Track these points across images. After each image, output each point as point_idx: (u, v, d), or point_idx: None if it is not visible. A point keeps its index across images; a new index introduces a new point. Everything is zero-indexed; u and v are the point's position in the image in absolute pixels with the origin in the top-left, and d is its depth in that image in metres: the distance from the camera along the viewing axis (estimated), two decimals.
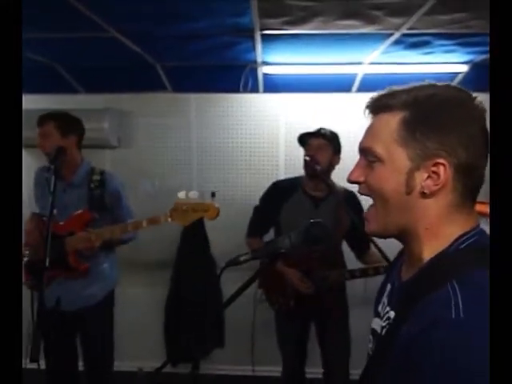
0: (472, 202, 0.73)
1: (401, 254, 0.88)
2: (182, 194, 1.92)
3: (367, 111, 0.77)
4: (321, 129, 2.15)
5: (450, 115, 0.69)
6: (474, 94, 0.73)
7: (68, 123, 2.09)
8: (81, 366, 2.26)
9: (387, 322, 0.78)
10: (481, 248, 0.69)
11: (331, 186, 2.11)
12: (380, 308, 0.85)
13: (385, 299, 0.84)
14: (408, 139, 0.70)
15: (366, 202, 0.81)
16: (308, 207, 2.17)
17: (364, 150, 0.76)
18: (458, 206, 0.71)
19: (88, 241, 1.98)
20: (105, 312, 2.22)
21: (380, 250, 1.84)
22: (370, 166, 0.74)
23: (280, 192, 2.24)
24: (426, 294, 0.66)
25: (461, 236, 0.71)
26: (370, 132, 0.76)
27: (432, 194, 0.70)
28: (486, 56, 2.40)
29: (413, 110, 0.70)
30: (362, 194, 0.78)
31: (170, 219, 1.95)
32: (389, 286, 0.85)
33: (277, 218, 2.21)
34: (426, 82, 0.73)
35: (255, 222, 2.34)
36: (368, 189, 0.75)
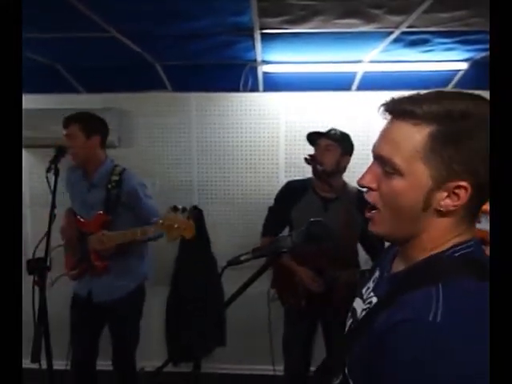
0: (476, 213, 0.72)
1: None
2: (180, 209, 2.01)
3: (385, 112, 0.70)
4: (331, 129, 2.15)
5: (477, 135, 0.63)
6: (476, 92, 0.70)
7: (92, 124, 2.16)
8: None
9: (368, 306, 0.79)
10: (474, 260, 0.68)
11: (334, 187, 2.11)
12: (364, 290, 0.86)
13: (371, 284, 0.86)
14: (433, 158, 0.65)
15: None
16: (318, 208, 2.17)
17: (381, 159, 0.70)
18: (465, 218, 0.70)
19: (101, 243, 2.05)
20: (133, 304, 2.29)
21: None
22: (386, 176, 0.70)
23: (292, 192, 2.25)
24: (410, 290, 0.66)
25: (457, 244, 0.70)
26: (388, 140, 0.69)
27: (448, 213, 0.68)
28: (486, 54, 2.40)
29: (443, 126, 0.64)
30: (368, 201, 0.74)
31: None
32: (377, 273, 0.87)
33: (289, 217, 2.22)
34: (456, 91, 0.67)
35: (269, 221, 2.35)
36: (380, 198, 0.72)
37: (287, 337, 2.31)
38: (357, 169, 2.89)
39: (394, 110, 0.69)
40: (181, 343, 2.94)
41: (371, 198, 0.73)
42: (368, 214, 0.76)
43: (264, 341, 2.33)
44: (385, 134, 0.71)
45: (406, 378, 0.59)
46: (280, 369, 2.39)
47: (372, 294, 0.81)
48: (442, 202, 0.67)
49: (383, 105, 0.70)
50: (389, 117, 0.70)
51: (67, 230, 2.21)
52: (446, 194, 0.67)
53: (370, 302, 0.79)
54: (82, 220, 2.18)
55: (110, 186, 2.14)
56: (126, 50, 2.31)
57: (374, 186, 0.72)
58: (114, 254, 2.11)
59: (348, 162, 2.17)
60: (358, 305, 0.85)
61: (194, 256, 2.94)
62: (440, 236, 0.71)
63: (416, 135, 0.66)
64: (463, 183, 0.65)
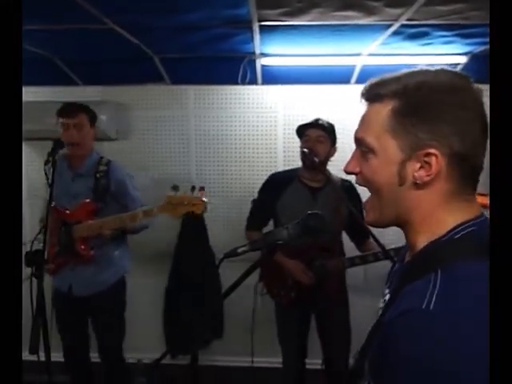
0: (472, 189, 0.71)
1: None
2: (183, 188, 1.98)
3: (361, 99, 0.76)
4: (318, 119, 2.15)
5: (441, 103, 0.66)
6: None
7: (93, 115, 2.19)
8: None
9: (384, 303, 0.79)
10: (476, 239, 0.67)
11: (328, 177, 2.12)
12: (386, 290, 0.85)
13: (389, 282, 0.85)
14: (399, 130, 0.68)
15: (363, 191, 0.81)
16: (305, 197, 2.18)
17: (358, 141, 0.75)
18: (455, 194, 0.69)
19: (91, 229, 2.07)
20: (115, 298, 2.31)
21: (377, 240, 1.85)
22: (365, 157, 0.73)
23: (277, 184, 2.25)
24: (412, 280, 0.66)
25: (458, 226, 0.69)
26: (362, 122, 0.75)
27: (425, 185, 0.69)
28: (486, 47, 2.39)
29: (403, 99, 0.68)
30: (359, 185, 0.77)
31: (159, 211, 2.03)
32: (395, 269, 0.86)
33: (275, 209, 2.22)
34: (418, 69, 0.71)
35: (254, 214, 2.35)
36: (363, 180, 0.75)
37: (281, 330, 2.32)
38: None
39: (366, 95, 0.74)
40: (179, 335, 2.96)
41: (359, 181, 0.77)
42: (364, 203, 0.79)
43: (262, 333, 2.35)
44: (361, 119, 0.75)
45: (406, 372, 0.59)
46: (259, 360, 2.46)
47: (387, 290, 0.81)
48: (416, 174, 0.68)
49: (360, 95, 0.75)
50: (365, 103, 0.75)
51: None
52: (418, 164, 0.68)
53: (385, 300, 0.79)
54: (64, 210, 2.16)
55: (98, 176, 2.15)
56: (124, 43, 2.29)
57: (357, 170, 0.75)
58: (99, 244, 2.13)
59: (335, 153, 2.19)
60: (381, 304, 0.84)
61: (192, 249, 2.95)
62: (430, 214, 0.70)
63: (382, 113, 0.70)
64: (432, 150, 0.66)
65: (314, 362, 2.50)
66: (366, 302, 2.66)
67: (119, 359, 2.37)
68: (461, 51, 2.50)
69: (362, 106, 0.76)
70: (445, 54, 2.53)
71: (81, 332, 2.31)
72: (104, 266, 2.21)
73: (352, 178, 0.80)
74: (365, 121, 0.74)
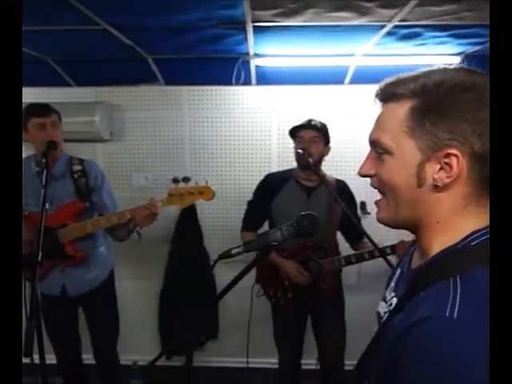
0: (488, 190, 0.68)
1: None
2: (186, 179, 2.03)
3: (377, 100, 0.74)
4: (311, 120, 2.16)
5: (459, 102, 0.64)
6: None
7: (59, 115, 2.12)
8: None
9: (389, 307, 0.77)
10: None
11: (323, 177, 2.13)
12: (387, 292, 0.83)
13: (393, 283, 0.83)
14: (417, 130, 0.66)
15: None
16: (300, 197, 2.19)
17: (373, 142, 0.73)
18: (473, 196, 0.67)
19: (84, 230, 2.06)
20: (109, 292, 2.32)
21: (371, 239, 1.86)
22: (380, 159, 0.71)
23: (272, 184, 2.25)
24: (427, 286, 0.64)
25: (474, 232, 0.66)
26: (378, 123, 0.73)
27: (445, 187, 0.66)
28: (478, 48, 2.41)
29: (421, 98, 0.66)
30: (373, 187, 0.75)
31: (167, 203, 2.04)
32: (399, 271, 0.84)
33: (269, 209, 2.22)
34: (435, 68, 0.70)
35: (249, 215, 2.35)
36: (379, 182, 0.73)
37: (277, 331, 2.32)
38: (353, 161, 2.90)
39: (382, 95, 0.72)
40: (174, 336, 2.95)
41: (374, 184, 0.75)
42: (376, 201, 0.76)
43: (257, 334, 2.35)
44: (376, 120, 0.74)
45: (426, 378, 0.56)
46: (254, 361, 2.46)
47: (393, 293, 0.79)
48: (436, 176, 0.66)
49: (375, 95, 0.73)
50: (380, 104, 0.73)
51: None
52: (438, 166, 0.66)
53: (391, 304, 0.77)
54: (49, 214, 1.99)
55: (76, 176, 2.12)
56: (118, 43, 2.28)
57: (372, 172, 0.74)
58: (85, 243, 2.13)
59: (328, 152, 2.20)
60: (382, 308, 0.82)
61: (186, 250, 2.95)
62: (446, 218, 0.68)
63: (399, 112, 0.68)
64: (452, 151, 0.64)
65: (310, 362, 2.51)
66: (360, 300, 2.68)
67: (114, 356, 2.36)
68: (454, 52, 2.52)
69: (376, 107, 0.74)
70: (438, 55, 2.54)
71: (73, 333, 2.30)
72: (93, 263, 2.21)
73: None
74: (380, 121, 0.72)
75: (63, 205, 2.10)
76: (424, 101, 0.66)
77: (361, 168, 0.75)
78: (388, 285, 0.85)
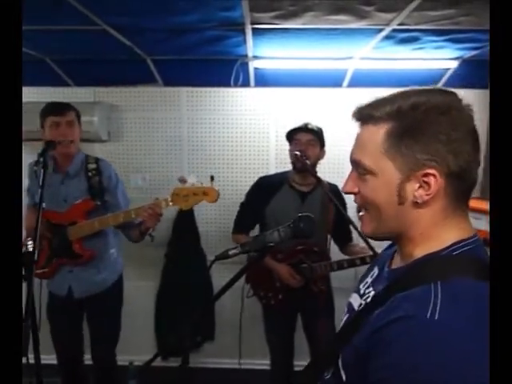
0: (466, 205, 0.73)
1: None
2: (191, 178, 2.01)
3: (354, 120, 0.77)
4: (308, 124, 2.17)
5: (434, 125, 0.67)
6: (462, 92, 0.72)
7: (78, 114, 2.14)
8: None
9: (365, 300, 0.80)
10: (473, 259, 0.68)
11: (319, 180, 2.14)
12: (361, 286, 0.86)
13: (369, 279, 0.86)
14: (395, 152, 0.69)
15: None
16: (294, 201, 2.20)
17: (354, 163, 0.76)
18: (451, 209, 0.71)
19: (92, 227, 2.04)
20: (116, 296, 2.30)
21: (366, 241, 1.87)
22: (361, 178, 0.74)
23: (266, 187, 2.26)
24: (408, 286, 0.67)
25: (457, 242, 0.70)
26: (358, 144, 0.76)
27: (425, 203, 0.70)
28: (475, 52, 2.42)
29: (397, 121, 0.69)
30: (358, 204, 0.78)
31: (171, 203, 2.01)
32: (376, 270, 0.87)
33: (263, 213, 2.23)
34: (410, 89, 0.72)
35: (241, 217, 2.35)
36: (361, 199, 0.76)
37: (268, 331, 2.32)
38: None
39: (360, 116, 0.75)
40: (170, 337, 2.95)
41: (357, 201, 0.78)
42: (359, 215, 0.80)
43: (252, 334, 2.35)
44: (356, 140, 0.76)
45: (398, 376, 0.59)
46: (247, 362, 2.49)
47: (371, 289, 0.82)
48: (416, 193, 0.69)
49: (352, 115, 0.76)
50: (358, 124, 0.76)
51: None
52: (417, 184, 0.69)
53: (368, 297, 0.80)
54: (54, 212, 2.09)
55: (90, 174, 2.13)
56: (117, 44, 2.29)
57: (355, 190, 0.77)
58: (95, 244, 2.12)
59: (323, 156, 2.22)
60: (355, 300, 0.85)
61: (183, 251, 2.94)
62: (428, 230, 0.72)
63: (376, 135, 0.71)
64: (430, 170, 0.67)
65: (302, 363, 2.51)
66: None
67: (113, 359, 2.34)
68: (451, 56, 2.53)
69: (355, 126, 0.77)
70: (435, 59, 2.55)
71: (77, 334, 2.28)
72: (102, 265, 2.19)
73: (343, 181, 0.81)
74: (360, 143, 0.75)
75: (75, 203, 2.09)
76: (400, 124, 0.69)
77: (344, 186, 0.79)
78: (363, 280, 0.88)
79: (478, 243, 0.71)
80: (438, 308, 0.60)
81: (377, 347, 0.63)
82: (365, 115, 0.74)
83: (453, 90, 0.72)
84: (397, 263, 0.80)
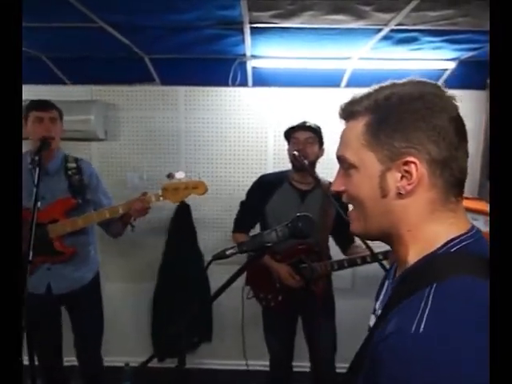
0: (456, 197, 0.70)
1: None
2: (179, 174, 2.08)
3: (339, 118, 0.78)
4: (305, 122, 2.16)
5: (410, 112, 0.67)
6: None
7: (61, 112, 2.14)
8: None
9: (375, 319, 0.78)
10: (473, 254, 0.66)
11: (318, 179, 2.13)
12: (377, 305, 0.84)
13: (381, 297, 0.83)
14: (374, 142, 0.70)
15: None
16: (294, 200, 2.19)
17: (339, 159, 0.77)
18: (439, 201, 0.69)
19: (75, 224, 2.05)
20: (95, 292, 2.30)
21: (365, 242, 1.86)
22: (348, 174, 0.74)
23: (266, 186, 2.24)
24: (404, 297, 0.65)
25: (454, 238, 0.67)
26: (341, 140, 0.77)
27: (409, 194, 0.68)
28: (473, 53, 2.42)
29: (374, 113, 0.70)
30: (346, 203, 0.78)
31: (161, 198, 2.07)
32: (387, 283, 0.84)
33: (263, 212, 2.22)
34: (387, 83, 0.73)
35: (241, 216, 2.34)
36: (349, 197, 0.76)
37: (268, 333, 2.31)
38: None
39: (343, 114, 0.77)
40: (167, 338, 2.93)
41: (345, 199, 0.78)
42: (348, 213, 0.79)
43: (251, 336, 2.34)
44: (340, 137, 0.78)
45: None
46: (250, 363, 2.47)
47: (380, 306, 0.80)
48: (399, 184, 0.69)
49: (338, 114, 0.78)
50: (343, 122, 0.77)
51: None
52: (399, 174, 0.69)
53: (376, 315, 0.78)
54: (40, 210, 2.05)
55: (70, 173, 2.13)
56: (114, 42, 2.27)
57: (342, 188, 0.77)
58: (74, 241, 2.12)
59: (323, 154, 2.21)
60: (372, 321, 0.82)
61: (180, 250, 2.93)
62: (416, 226, 0.70)
63: (357, 128, 0.72)
64: (410, 158, 0.67)
65: (301, 364, 2.51)
66: (354, 303, 2.68)
67: (98, 360, 2.33)
68: (449, 57, 2.53)
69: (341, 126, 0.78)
70: (433, 60, 2.55)
71: (56, 333, 2.26)
72: (80, 262, 2.19)
73: None
74: (343, 139, 0.76)
75: (55, 201, 2.09)
76: (377, 115, 0.70)
77: (332, 185, 0.79)
78: (377, 297, 0.86)
79: (477, 237, 0.69)
80: (424, 319, 0.58)
81: (375, 364, 0.61)
82: (347, 112, 0.75)
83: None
84: (398, 273, 0.77)
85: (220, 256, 0.98)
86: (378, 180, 0.70)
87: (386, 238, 0.75)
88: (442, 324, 0.57)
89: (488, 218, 2.10)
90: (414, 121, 0.67)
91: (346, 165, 0.74)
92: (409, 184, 0.68)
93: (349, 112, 0.75)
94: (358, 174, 0.72)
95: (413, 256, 0.71)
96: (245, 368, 2.54)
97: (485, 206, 2.23)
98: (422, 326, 0.57)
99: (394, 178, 0.69)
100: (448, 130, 0.67)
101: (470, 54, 2.43)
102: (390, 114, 0.69)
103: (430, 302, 0.60)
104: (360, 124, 0.72)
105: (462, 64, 2.59)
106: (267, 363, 2.40)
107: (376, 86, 0.73)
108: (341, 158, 0.75)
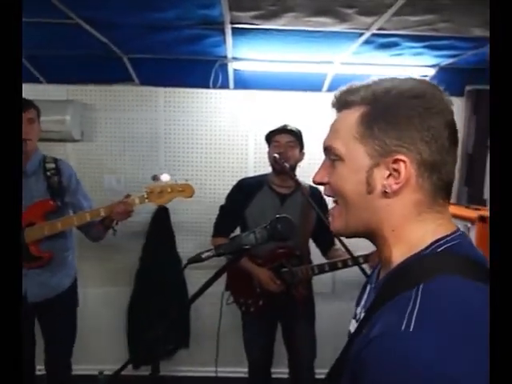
0: (443, 201, 0.69)
1: None
2: (164, 177, 2.06)
3: (332, 108, 0.75)
4: (287, 125, 2.15)
5: (407, 108, 0.65)
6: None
7: (39, 111, 2.06)
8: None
9: (356, 323, 0.76)
10: (460, 254, 0.64)
11: (298, 183, 2.11)
12: (358, 310, 0.81)
13: (363, 302, 0.81)
14: (366, 135, 0.67)
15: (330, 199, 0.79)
16: (274, 204, 2.17)
17: (326, 149, 0.74)
18: (426, 204, 0.67)
19: (54, 228, 1.98)
20: (71, 299, 2.22)
21: (344, 245, 1.84)
22: (333, 166, 0.71)
23: (246, 190, 2.22)
24: (388, 299, 0.62)
25: (440, 239, 0.66)
26: (331, 130, 0.73)
27: (395, 193, 0.66)
28: (452, 60, 2.46)
29: (371, 105, 0.68)
30: (327, 196, 0.75)
31: (147, 200, 2.03)
32: (368, 288, 0.82)
33: (243, 215, 2.19)
34: (387, 77, 0.71)
35: (221, 220, 2.30)
36: (331, 190, 0.73)
37: (247, 339, 2.28)
38: None
39: (336, 104, 0.74)
40: (142, 344, 2.86)
41: (327, 192, 0.75)
42: (330, 210, 0.76)
43: (229, 342, 2.30)
44: (330, 127, 0.74)
45: None
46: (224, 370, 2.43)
47: (362, 310, 0.77)
48: (385, 182, 0.66)
49: (331, 105, 0.75)
50: (335, 112, 0.75)
51: None
52: (386, 172, 0.66)
53: (358, 319, 0.76)
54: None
55: (49, 174, 2.06)
56: (92, 40, 2.21)
57: (325, 179, 0.74)
58: (51, 246, 2.04)
59: (303, 158, 2.20)
60: (353, 326, 0.80)
61: (158, 255, 2.87)
62: (401, 226, 0.68)
63: (350, 119, 0.69)
64: (400, 156, 0.65)
65: (280, 370, 2.47)
66: (335, 307, 2.67)
67: (68, 367, 2.24)
68: (429, 63, 2.56)
69: (332, 116, 0.75)
70: (413, 66, 2.58)
71: (30, 341, 2.17)
72: (57, 268, 2.10)
73: (320, 187, 0.78)
74: (333, 128, 0.73)
75: (33, 203, 2.00)
76: (373, 107, 0.68)
77: (315, 176, 0.75)
78: (358, 303, 0.83)
79: (462, 238, 0.68)
80: (413, 318, 0.56)
81: (359, 370, 0.58)
82: (341, 102, 0.72)
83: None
84: (382, 275, 0.74)
85: (195, 259, 0.94)
86: (365, 175, 0.67)
87: (369, 236, 0.73)
88: (431, 323, 0.55)
89: (466, 224, 2.13)
90: (410, 118, 0.65)
91: (332, 156, 0.71)
92: (396, 183, 0.66)
93: (343, 101, 0.71)
94: (344, 167, 0.69)
95: (397, 256, 0.69)
96: (223, 375, 2.49)
97: (463, 212, 2.26)
98: (412, 326, 0.55)
99: (381, 175, 0.67)
100: (442, 133, 0.65)
101: (450, 60, 2.46)
102: (387, 107, 0.66)
103: (418, 303, 0.58)
104: (354, 115, 0.69)
105: (442, 70, 2.62)
106: (246, 370, 2.36)
107: (375, 78, 0.71)
108: (328, 149, 0.72)
